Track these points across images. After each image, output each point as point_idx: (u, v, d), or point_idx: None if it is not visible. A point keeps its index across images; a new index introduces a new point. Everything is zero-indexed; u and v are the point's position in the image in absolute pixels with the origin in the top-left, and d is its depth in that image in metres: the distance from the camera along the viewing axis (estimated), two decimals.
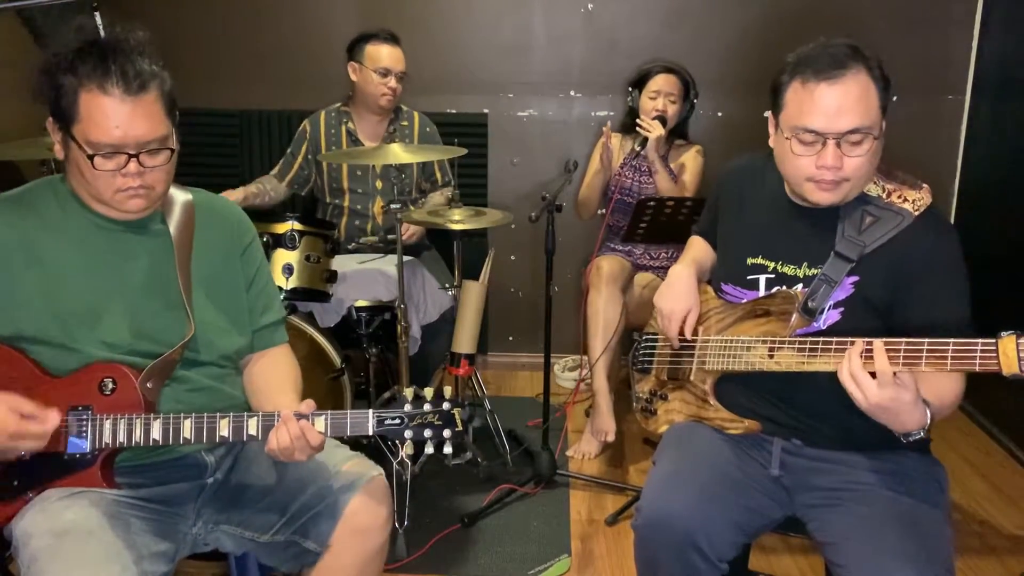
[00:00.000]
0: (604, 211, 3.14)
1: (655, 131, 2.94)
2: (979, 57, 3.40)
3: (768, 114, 1.61)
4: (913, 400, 1.35)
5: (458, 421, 1.49)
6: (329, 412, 1.48)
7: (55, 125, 1.45)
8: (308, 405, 1.50)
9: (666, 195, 2.95)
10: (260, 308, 1.70)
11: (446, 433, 1.49)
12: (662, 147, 3.06)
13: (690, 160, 3.12)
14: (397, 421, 1.48)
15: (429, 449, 1.49)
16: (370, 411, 1.48)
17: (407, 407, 1.49)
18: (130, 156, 1.42)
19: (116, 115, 1.40)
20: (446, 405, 1.49)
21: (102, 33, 1.44)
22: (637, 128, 3.00)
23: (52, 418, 1.43)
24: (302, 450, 1.47)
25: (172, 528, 1.53)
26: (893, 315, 1.55)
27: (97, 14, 1.47)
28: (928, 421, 1.39)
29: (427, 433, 1.48)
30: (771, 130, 1.62)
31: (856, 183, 1.54)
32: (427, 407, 1.49)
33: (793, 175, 1.56)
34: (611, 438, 2.98)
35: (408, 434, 1.48)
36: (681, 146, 3.16)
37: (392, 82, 2.95)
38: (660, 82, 3.05)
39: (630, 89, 3.14)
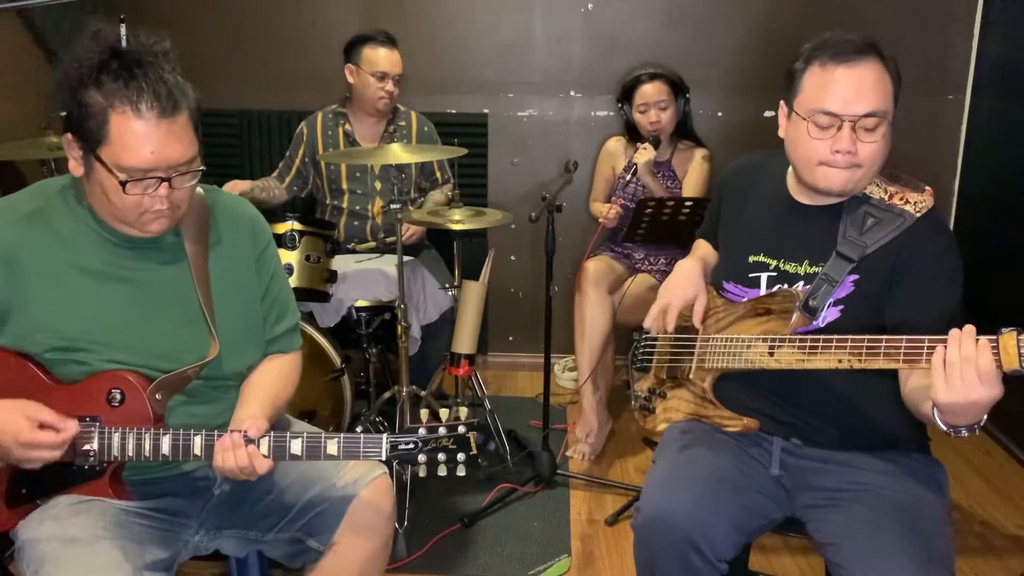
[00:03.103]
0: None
1: (643, 156, 2.93)
2: (979, 57, 3.40)
3: (779, 106, 1.60)
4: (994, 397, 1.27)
5: (472, 445, 1.46)
6: (342, 436, 1.44)
7: (75, 143, 1.37)
8: (257, 429, 1.43)
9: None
10: (274, 317, 1.65)
11: (460, 457, 1.45)
12: (667, 152, 3.06)
13: (694, 168, 3.08)
14: (411, 446, 1.44)
15: (442, 472, 1.46)
16: (384, 436, 1.44)
17: (421, 431, 1.45)
18: (161, 179, 1.36)
19: (151, 139, 1.32)
20: (461, 429, 1.45)
21: (124, 43, 1.34)
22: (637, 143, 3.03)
23: (70, 427, 1.39)
24: (248, 476, 1.44)
25: (175, 536, 1.52)
26: (884, 313, 1.55)
27: (123, 26, 1.33)
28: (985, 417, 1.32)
29: (441, 457, 1.45)
30: (782, 119, 1.61)
31: (867, 171, 1.53)
32: (442, 431, 1.45)
33: (805, 160, 1.56)
34: (591, 439, 3.00)
35: (422, 458, 1.45)
36: (687, 148, 3.11)
37: (389, 85, 2.94)
38: (646, 93, 2.99)
39: (619, 104, 3.12)
